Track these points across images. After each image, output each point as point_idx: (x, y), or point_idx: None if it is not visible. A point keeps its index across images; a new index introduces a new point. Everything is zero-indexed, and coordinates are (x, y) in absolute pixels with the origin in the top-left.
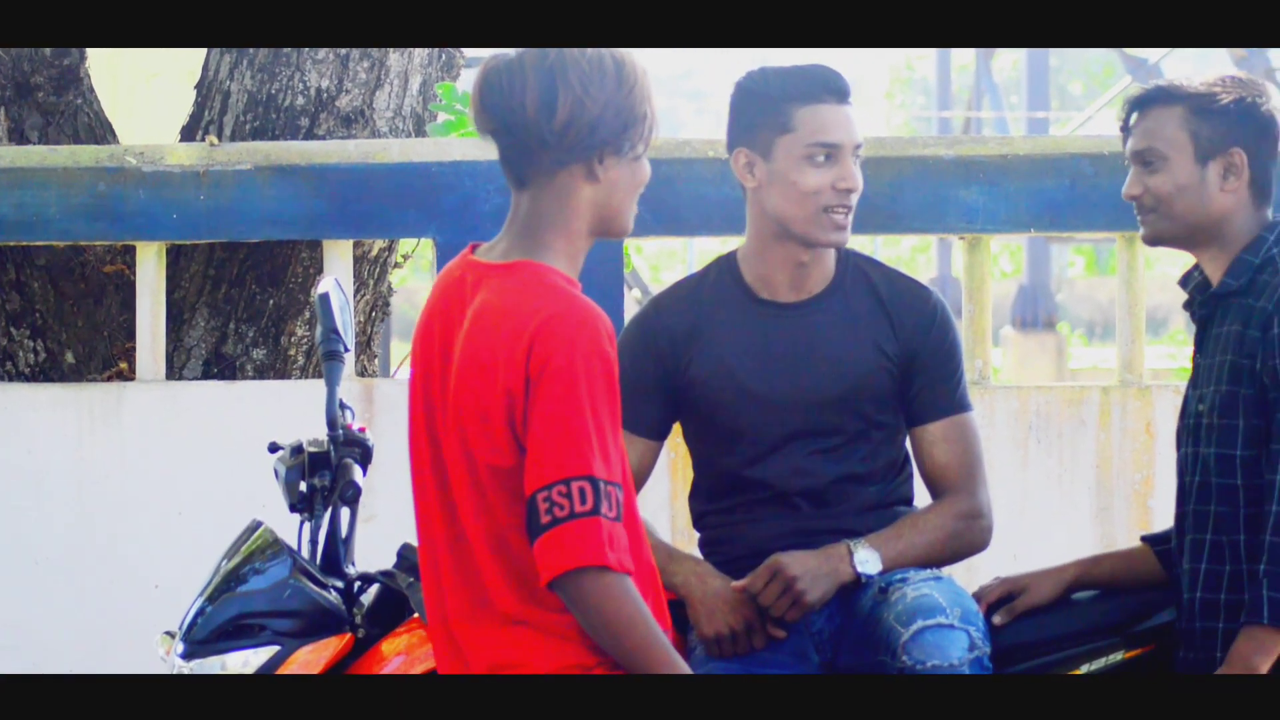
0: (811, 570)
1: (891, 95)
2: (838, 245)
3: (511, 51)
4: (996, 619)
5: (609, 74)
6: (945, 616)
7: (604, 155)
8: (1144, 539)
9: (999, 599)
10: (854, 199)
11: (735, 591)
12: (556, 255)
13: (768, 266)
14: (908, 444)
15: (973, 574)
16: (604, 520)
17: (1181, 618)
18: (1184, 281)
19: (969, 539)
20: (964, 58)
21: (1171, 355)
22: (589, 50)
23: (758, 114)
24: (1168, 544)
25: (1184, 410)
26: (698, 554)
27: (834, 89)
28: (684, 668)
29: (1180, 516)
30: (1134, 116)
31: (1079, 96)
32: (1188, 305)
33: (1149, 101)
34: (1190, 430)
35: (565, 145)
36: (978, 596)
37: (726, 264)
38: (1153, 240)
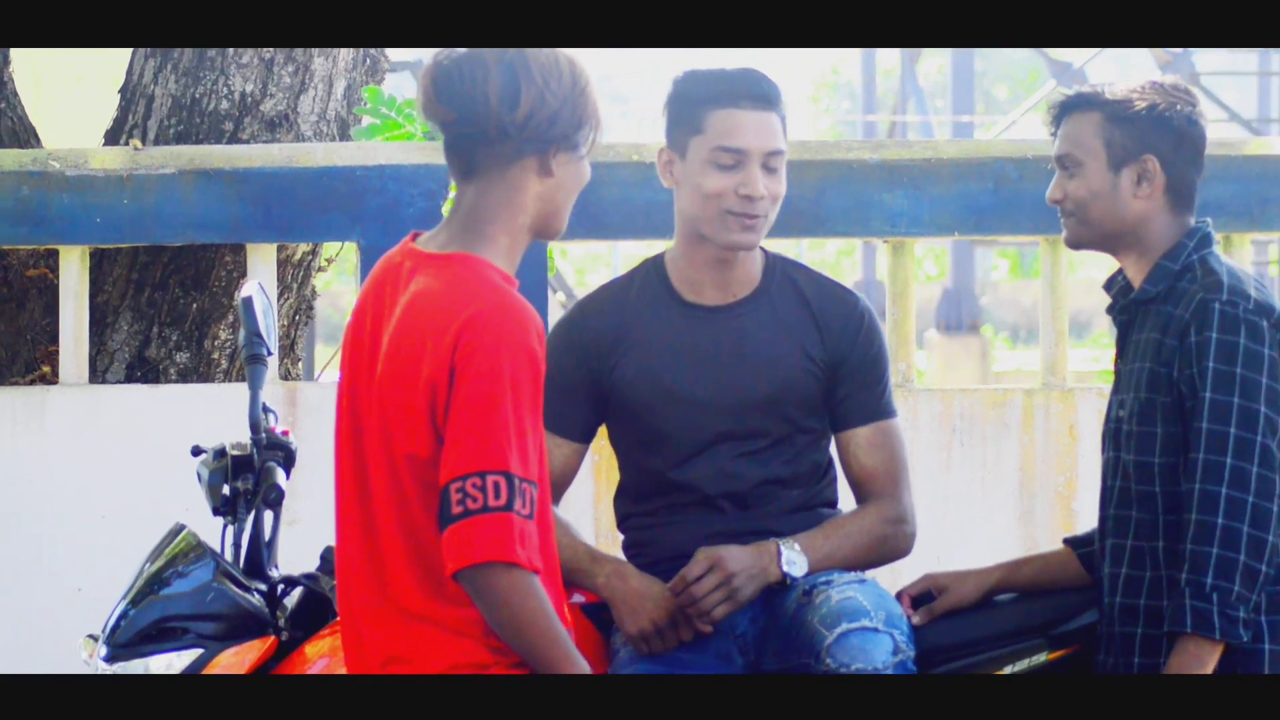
0: (747, 568)
1: (817, 99)
2: (742, 247)
3: (461, 50)
4: (916, 619)
5: (565, 72)
6: (870, 619)
7: (559, 150)
8: (1066, 541)
9: (919, 595)
10: (762, 206)
11: (657, 588)
12: (497, 250)
13: (691, 268)
14: (832, 448)
15: (896, 577)
16: (516, 517)
17: (1102, 621)
18: (1108, 285)
19: (893, 545)
20: (889, 62)
21: (1095, 358)
22: (543, 50)
23: (678, 114)
24: (1090, 546)
25: (1107, 415)
26: (621, 556)
27: (752, 94)
28: (584, 667)
29: (1103, 520)
30: (1057, 121)
31: (1004, 101)
32: (1111, 310)
33: (1070, 107)
34: (1111, 435)
35: (526, 136)
36: (899, 593)
37: (654, 266)
38: (1073, 244)
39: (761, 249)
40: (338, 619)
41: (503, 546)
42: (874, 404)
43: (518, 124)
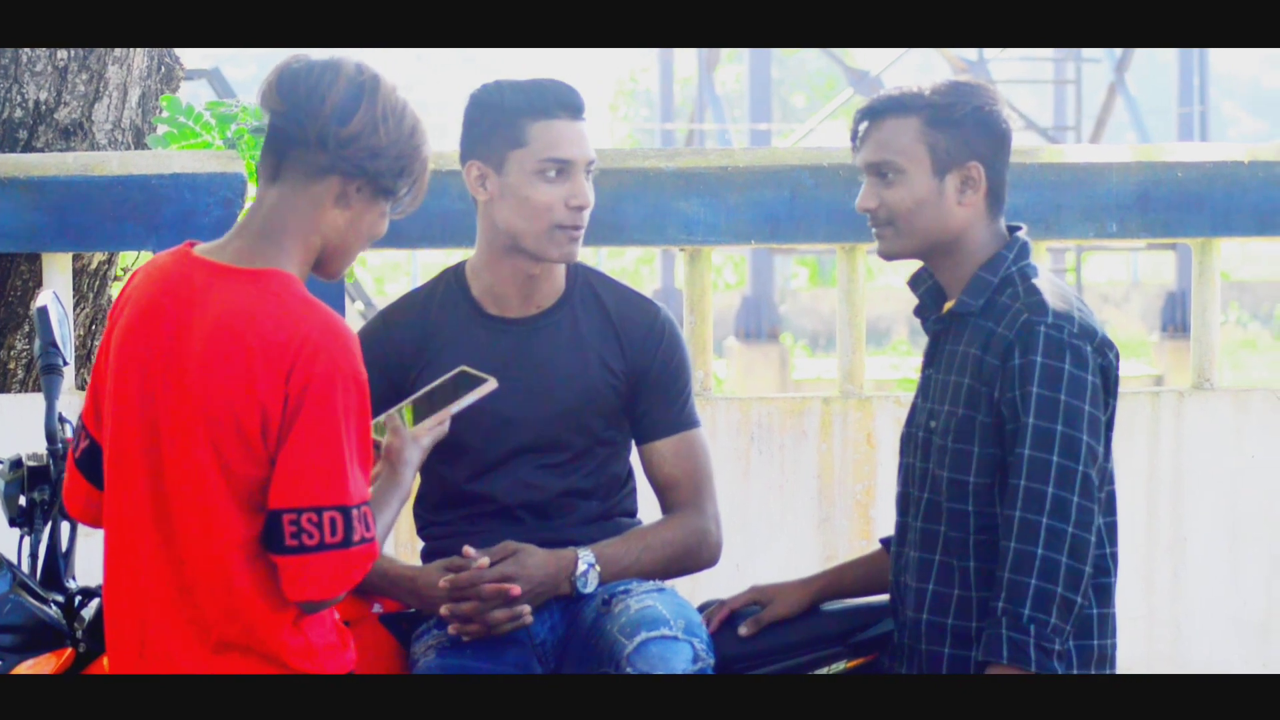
0: (537, 585)
1: (615, 107)
2: (570, 259)
3: (322, 55)
4: (742, 629)
5: (409, 120)
6: (669, 628)
7: (364, 186)
8: (884, 541)
9: (743, 606)
10: (586, 216)
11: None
12: (293, 263)
13: (497, 280)
14: (633, 458)
15: (696, 585)
16: (354, 550)
17: (904, 633)
18: (914, 283)
19: (697, 556)
20: (686, 70)
21: (894, 366)
22: (399, 93)
23: (492, 127)
24: None
25: (911, 419)
26: (418, 563)
27: (568, 104)
28: (401, 490)
29: (901, 527)
30: (865, 126)
31: (801, 109)
32: (920, 311)
33: (882, 111)
34: (919, 444)
35: (342, 154)
36: (723, 604)
37: (454, 278)
38: (889, 255)
39: None
40: None
41: (342, 582)
42: (676, 415)
43: (339, 138)
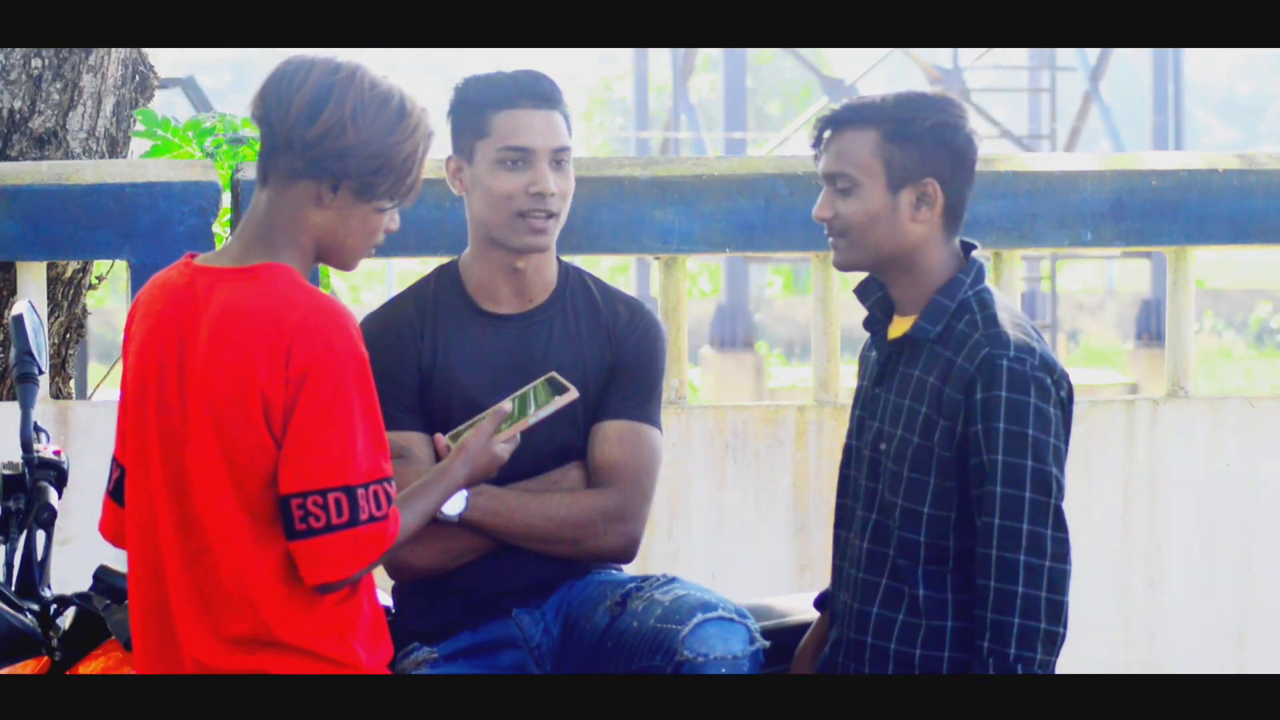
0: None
1: (590, 116)
2: (536, 249)
3: (314, 54)
4: None
5: (388, 115)
6: (724, 610)
7: (340, 186)
8: (818, 604)
9: None
10: (553, 203)
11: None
12: (288, 259)
13: (486, 274)
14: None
15: None
16: (363, 529)
17: (841, 652)
18: (862, 294)
19: (602, 537)
20: (661, 78)
21: None
22: (386, 84)
23: (462, 120)
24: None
25: (858, 433)
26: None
27: (533, 93)
28: (447, 482)
29: (841, 541)
30: (826, 135)
31: (777, 117)
32: (869, 324)
33: (843, 121)
34: (866, 461)
35: (308, 157)
36: None
37: (448, 274)
38: (844, 266)
39: (556, 257)
40: (111, 639)
41: (354, 561)
42: (634, 404)
43: (305, 141)
